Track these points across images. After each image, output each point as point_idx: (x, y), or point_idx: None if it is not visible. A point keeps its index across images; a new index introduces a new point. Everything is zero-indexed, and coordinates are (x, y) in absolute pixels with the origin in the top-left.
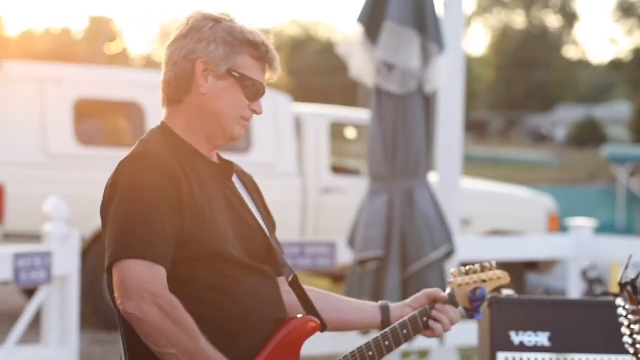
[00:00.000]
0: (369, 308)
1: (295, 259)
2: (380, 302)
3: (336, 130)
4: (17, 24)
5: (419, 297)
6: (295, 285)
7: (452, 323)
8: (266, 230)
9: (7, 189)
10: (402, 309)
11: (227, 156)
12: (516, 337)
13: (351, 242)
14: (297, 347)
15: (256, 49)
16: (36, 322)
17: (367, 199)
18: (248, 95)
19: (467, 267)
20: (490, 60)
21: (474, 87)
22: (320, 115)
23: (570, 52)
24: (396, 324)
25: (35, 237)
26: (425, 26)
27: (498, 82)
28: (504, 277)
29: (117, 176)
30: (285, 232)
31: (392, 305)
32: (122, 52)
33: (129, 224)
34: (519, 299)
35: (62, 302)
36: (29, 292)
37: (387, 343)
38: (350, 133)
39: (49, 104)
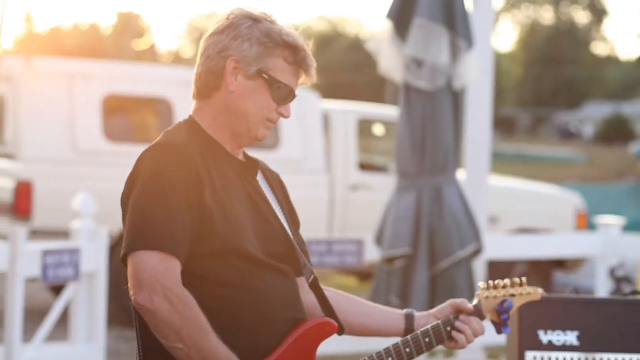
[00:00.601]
0: (393, 315)
1: (323, 256)
2: (405, 310)
3: (364, 127)
4: (46, 20)
5: (444, 307)
6: (315, 287)
7: (476, 335)
8: (288, 230)
9: (35, 185)
10: (427, 319)
11: (254, 153)
12: (545, 337)
13: (379, 240)
14: (313, 348)
15: (292, 53)
16: (64, 319)
17: (395, 196)
18: (276, 98)
19: (497, 282)
20: (519, 57)
21: (502, 83)
22: (348, 111)
23: (599, 49)
24: (418, 331)
25: (63, 234)
26: (455, 22)
27: (526, 79)
28: (535, 293)
29: (138, 167)
30: (313, 229)
31: (417, 314)
32: (150, 48)
33: (146, 215)
34: (547, 297)
35: (89, 299)
36: (56, 289)
37: (407, 350)
38: (378, 130)
39: (78, 100)
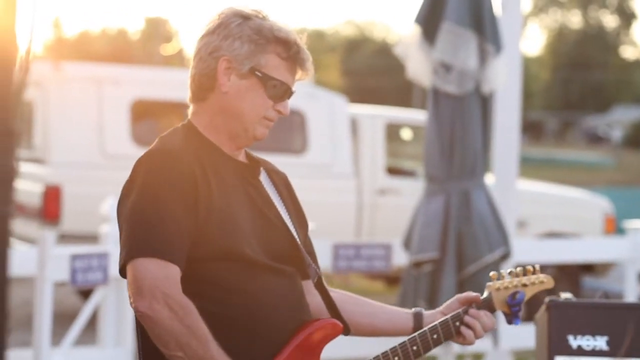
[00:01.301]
0: (401, 314)
1: (351, 261)
2: (413, 309)
3: (392, 131)
4: (74, 25)
5: (451, 302)
6: (320, 287)
7: (486, 329)
8: (293, 230)
9: (64, 189)
10: (434, 316)
11: (282, 158)
12: (574, 341)
13: (407, 244)
14: (318, 350)
15: (285, 48)
16: (92, 323)
17: (424, 201)
18: (271, 96)
19: (509, 270)
20: (546, 61)
21: (529, 87)
22: (376, 116)
23: (627, 52)
24: (426, 328)
25: (92, 238)
26: (483, 27)
27: (554, 83)
28: (548, 281)
29: (134, 174)
30: (341, 234)
31: (426, 313)
32: (178, 52)
33: (143, 222)
34: (577, 302)
35: (118, 303)
36: (84, 293)
37: (415, 348)
38: (406, 134)
39: (106, 104)
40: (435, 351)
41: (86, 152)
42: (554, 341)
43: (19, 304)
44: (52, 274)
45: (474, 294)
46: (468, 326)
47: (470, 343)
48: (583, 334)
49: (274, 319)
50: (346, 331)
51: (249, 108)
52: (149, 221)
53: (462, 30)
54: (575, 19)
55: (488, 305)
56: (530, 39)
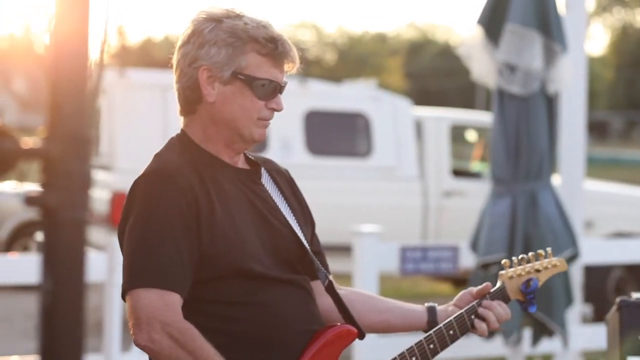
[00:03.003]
0: (414, 309)
1: (418, 263)
2: (427, 304)
3: (456, 133)
4: (138, 32)
5: (463, 294)
6: (331, 290)
7: (500, 320)
8: (299, 233)
9: None
10: (448, 310)
11: (347, 161)
12: None
13: (474, 246)
14: (335, 357)
15: (263, 44)
16: None
17: (490, 202)
18: (260, 96)
19: (520, 257)
20: (610, 60)
21: (593, 87)
22: (440, 118)
23: None
24: (441, 324)
25: None
26: (548, 26)
27: (618, 82)
28: (561, 264)
29: (130, 198)
30: (406, 236)
31: (439, 307)
32: None
33: (141, 250)
34: None
35: None
36: None
37: (431, 346)
38: (471, 135)
39: (171, 111)
40: (503, 352)
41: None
42: (626, 341)
43: (88, 310)
44: (121, 280)
45: (487, 284)
46: (482, 318)
47: (483, 335)
48: None
49: (286, 331)
50: (361, 336)
51: (240, 113)
52: (147, 247)
53: (526, 31)
54: (639, 18)
55: (502, 295)
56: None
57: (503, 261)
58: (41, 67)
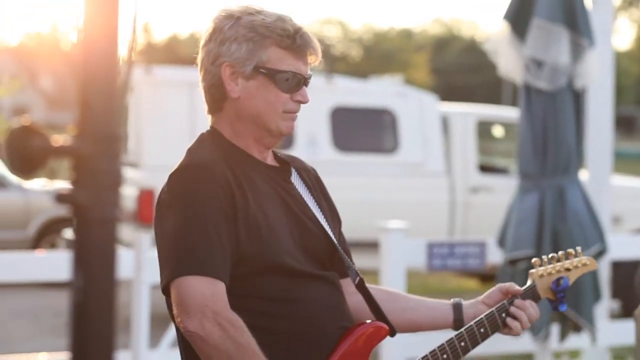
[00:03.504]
0: (440, 306)
1: (445, 259)
2: (452, 300)
3: (483, 128)
4: (163, 29)
5: (492, 292)
6: (362, 288)
7: (531, 320)
8: (329, 231)
9: (158, 192)
10: (475, 307)
11: (373, 157)
12: None
13: (501, 242)
14: (366, 354)
15: (283, 37)
16: None
17: (518, 198)
18: (284, 89)
19: (550, 255)
20: (636, 55)
21: (620, 82)
22: (467, 113)
23: None
24: (472, 322)
25: None
26: (575, 21)
27: None
28: (591, 263)
29: (168, 192)
30: (434, 232)
31: (465, 303)
32: None
33: (184, 239)
34: None
35: None
36: None
37: (462, 344)
38: (498, 131)
39: (198, 108)
40: (531, 348)
41: (179, 155)
42: None
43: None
44: (149, 277)
45: (516, 286)
46: (514, 317)
47: (517, 334)
48: None
49: (319, 327)
50: (392, 333)
51: (265, 107)
52: (191, 237)
53: (553, 26)
54: None
55: (532, 294)
56: (620, 34)
57: (533, 260)
58: (68, 65)
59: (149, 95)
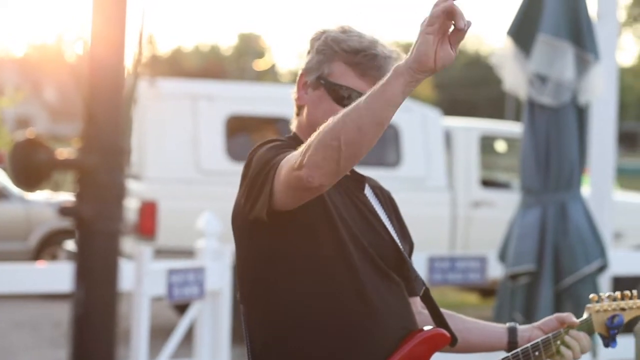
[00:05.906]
0: (495, 329)
1: (446, 273)
2: (508, 324)
3: (486, 143)
4: (168, 42)
5: (549, 320)
6: (427, 298)
7: (583, 352)
8: (399, 244)
9: (159, 205)
10: (531, 331)
11: (375, 171)
12: None
13: (502, 256)
14: (426, 359)
15: (352, 55)
16: (188, 337)
17: (520, 213)
18: (338, 101)
19: (607, 294)
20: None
21: (623, 98)
22: (470, 128)
23: None
24: (528, 344)
25: (186, 253)
26: (581, 36)
27: None
28: None
29: (251, 156)
30: (435, 246)
31: (520, 327)
32: (271, 68)
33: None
34: None
35: (214, 317)
36: (181, 308)
37: None
38: (500, 146)
39: (201, 120)
40: None
41: (181, 167)
42: None
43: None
44: (149, 289)
45: (574, 317)
46: (568, 346)
47: None
48: None
49: (386, 325)
50: (453, 342)
51: (322, 117)
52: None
53: (558, 42)
54: None
55: (587, 327)
56: (625, 50)
57: (591, 295)
58: (72, 77)
59: (152, 108)
